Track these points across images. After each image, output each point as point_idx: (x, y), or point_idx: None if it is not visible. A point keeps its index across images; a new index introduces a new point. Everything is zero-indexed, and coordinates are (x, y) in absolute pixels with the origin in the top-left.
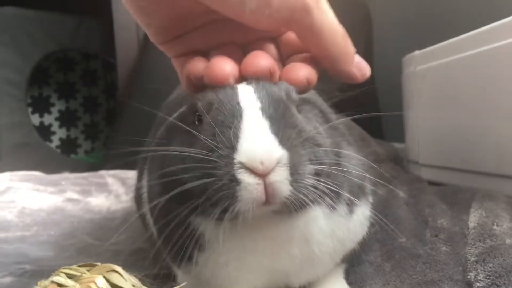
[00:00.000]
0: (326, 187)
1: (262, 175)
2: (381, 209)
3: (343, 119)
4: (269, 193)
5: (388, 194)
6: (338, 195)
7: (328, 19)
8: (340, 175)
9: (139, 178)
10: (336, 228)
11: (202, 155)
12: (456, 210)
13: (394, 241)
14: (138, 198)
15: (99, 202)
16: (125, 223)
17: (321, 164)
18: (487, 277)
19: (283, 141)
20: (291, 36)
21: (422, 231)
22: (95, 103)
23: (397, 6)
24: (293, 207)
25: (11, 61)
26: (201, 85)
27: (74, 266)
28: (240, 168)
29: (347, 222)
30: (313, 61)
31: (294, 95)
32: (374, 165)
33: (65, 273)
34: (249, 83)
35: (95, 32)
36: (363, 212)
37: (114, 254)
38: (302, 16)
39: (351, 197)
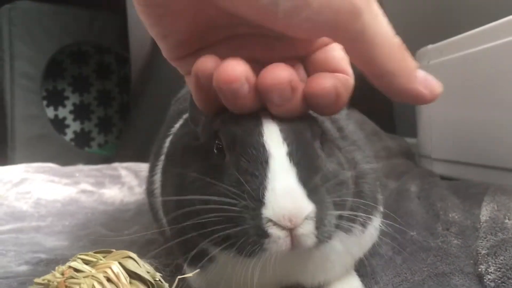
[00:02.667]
0: (347, 223)
1: (289, 229)
2: (392, 202)
3: (357, 114)
4: (294, 244)
5: (400, 188)
6: (354, 221)
7: (382, 25)
8: (358, 201)
9: (151, 172)
10: (350, 247)
11: (225, 204)
12: (468, 204)
13: (405, 234)
14: (150, 193)
15: (113, 194)
16: (138, 214)
17: (344, 202)
18: (498, 269)
19: (311, 192)
20: (324, 55)
21: (433, 225)
22: (109, 96)
23: None
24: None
25: (27, 54)
26: (218, 104)
27: (90, 253)
28: (268, 222)
29: (359, 239)
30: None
31: (317, 128)
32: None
33: (82, 259)
34: (273, 118)
35: (109, 26)
36: (374, 225)
37: (127, 245)
38: (349, 20)
39: (366, 218)
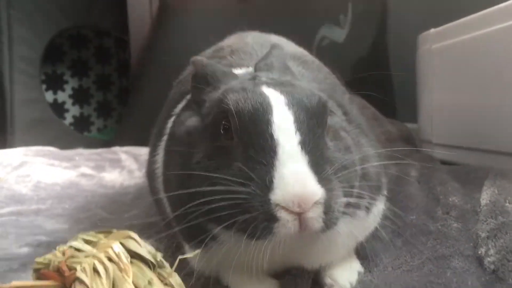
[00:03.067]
0: (353, 209)
1: (298, 213)
2: (393, 186)
3: (358, 99)
4: (302, 227)
5: (400, 172)
6: (360, 206)
7: None
8: (363, 184)
9: (152, 153)
10: (354, 230)
11: (233, 191)
12: (468, 188)
13: (405, 218)
14: (150, 173)
15: (113, 177)
16: (137, 198)
17: (352, 190)
18: (498, 252)
19: (322, 179)
20: None
21: (433, 208)
22: (108, 80)
23: None
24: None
25: (25, 38)
26: None
27: (91, 232)
28: (277, 206)
29: (363, 222)
30: None
31: (327, 116)
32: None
33: (83, 239)
34: (285, 104)
35: (108, 9)
36: (378, 208)
37: (127, 228)
38: None
39: (371, 202)
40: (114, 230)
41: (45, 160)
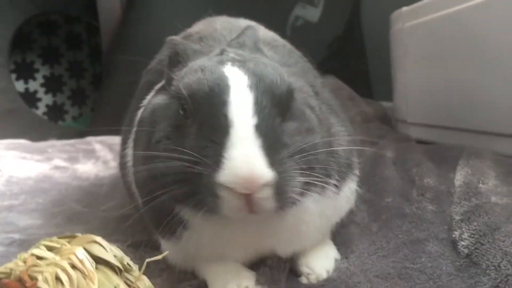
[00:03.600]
0: (316, 183)
1: (245, 194)
2: (369, 169)
3: (332, 79)
4: (252, 206)
5: (376, 154)
6: (327, 183)
7: None
8: (329, 162)
9: (123, 146)
10: (325, 208)
11: (183, 170)
12: (443, 168)
13: (381, 201)
14: (122, 165)
15: (87, 169)
16: (113, 189)
17: (311, 169)
18: (472, 235)
19: (272, 161)
20: None
21: (409, 191)
22: (81, 67)
23: None
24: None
25: None
26: None
27: (54, 238)
28: (221, 185)
29: (334, 201)
30: None
31: (289, 95)
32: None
33: (45, 245)
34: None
35: None
36: (349, 188)
37: (102, 221)
38: None
39: (339, 179)
40: (78, 235)
41: (16, 153)
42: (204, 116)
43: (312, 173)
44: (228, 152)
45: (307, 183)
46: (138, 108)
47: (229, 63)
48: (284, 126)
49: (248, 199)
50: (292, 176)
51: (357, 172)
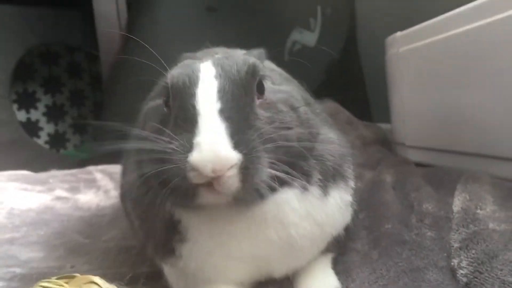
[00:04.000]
0: (288, 177)
1: (211, 178)
2: (368, 194)
3: (330, 103)
4: (219, 188)
5: (375, 178)
6: (307, 179)
7: None
8: (309, 161)
9: (124, 174)
10: (312, 210)
11: (162, 156)
12: (442, 193)
13: (381, 227)
14: (123, 195)
15: (88, 198)
16: (114, 219)
17: (282, 161)
18: (470, 264)
19: (239, 144)
20: None
21: (408, 216)
22: (82, 96)
23: None
24: (245, 200)
25: None
26: None
27: (52, 279)
28: (192, 169)
29: (323, 205)
30: None
31: (261, 70)
32: (355, 151)
33: (43, 287)
34: (214, 64)
35: (76, 24)
36: (341, 197)
37: (104, 252)
38: None
39: (323, 180)
40: (77, 275)
41: (18, 184)
42: (177, 108)
43: (283, 167)
44: (195, 139)
45: (276, 177)
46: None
47: (210, 61)
48: (254, 109)
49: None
50: (258, 161)
51: (351, 183)
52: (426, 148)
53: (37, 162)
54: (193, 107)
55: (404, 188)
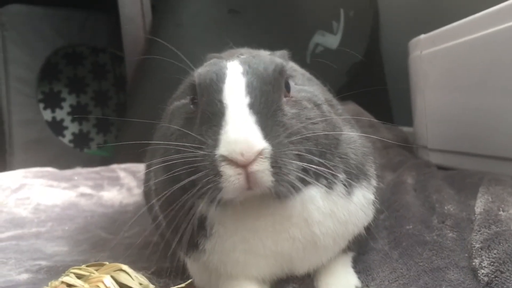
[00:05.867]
0: (317, 172)
1: (243, 166)
2: (389, 195)
3: (352, 105)
4: (251, 181)
5: (396, 180)
6: (333, 176)
7: None
8: (335, 158)
9: (148, 172)
10: (336, 208)
11: (191, 154)
12: (463, 195)
13: (402, 228)
14: (147, 192)
15: (112, 196)
16: (137, 216)
17: (309, 157)
18: (491, 263)
19: (269, 135)
20: None
21: (429, 218)
22: (106, 96)
23: None
24: (278, 194)
25: (20, 58)
26: None
27: (83, 266)
28: (222, 161)
29: (347, 203)
30: None
31: (286, 71)
32: (376, 152)
33: (74, 273)
34: (241, 62)
35: (102, 26)
36: (364, 195)
37: (126, 248)
38: None
39: (348, 179)
40: (106, 263)
41: (44, 181)
42: (205, 105)
43: (312, 160)
44: (224, 130)
45: (306, 170)
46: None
47: (237, 60)
48: (281, 106)
49: (246, 174)
50: (287, 154)
51: (373, 182)
52: (448, 151)
53: (62, 160)
54: (221, 102)
55: (425, 190)
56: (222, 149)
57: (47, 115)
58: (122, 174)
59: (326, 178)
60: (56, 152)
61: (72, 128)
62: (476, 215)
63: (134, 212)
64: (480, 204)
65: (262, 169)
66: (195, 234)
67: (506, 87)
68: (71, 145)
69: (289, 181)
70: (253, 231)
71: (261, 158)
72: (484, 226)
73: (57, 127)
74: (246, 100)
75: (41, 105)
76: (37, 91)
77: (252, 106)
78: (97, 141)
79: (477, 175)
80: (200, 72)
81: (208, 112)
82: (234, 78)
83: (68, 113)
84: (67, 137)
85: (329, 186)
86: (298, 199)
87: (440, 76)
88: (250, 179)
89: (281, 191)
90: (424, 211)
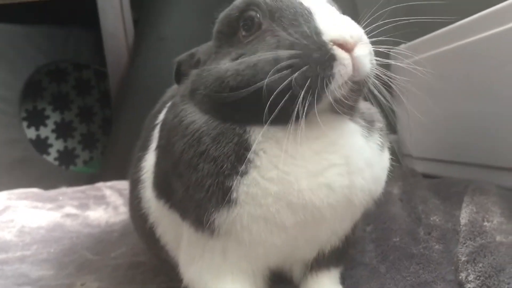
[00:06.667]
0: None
1: (351, 49)
2: (376, 206)
3: None
4: (356, 67)
5: (383, 190)
6: (371, 124)
7: None
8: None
9: (138, 162)
10: (373, 156)
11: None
12: (449, 204)
13: (389, 240)
14: (135, 181)
15: (98, 215)
16: (123, 235)
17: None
18: (477, 277)
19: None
20: None
21: (415, 229)
22: (90, 112)
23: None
24: (355, 96)
25: (2, 78)
26: None
27: None
28: (331, 44)
29: (380, 157)
30: None
31: None
32: None
33: None
34: None
35: (85, 42)
36: (387, 159)
37: (113, 269)
38: None
39: (381, 126)
40: None
41: (28, 202)
42: (282, 11)
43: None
44: (324, 22)
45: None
46: (154, 127)
47: None
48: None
49: (353, 60)
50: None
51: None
52: (433, 160)
53: (47, 179)
54: (301, 4)
55: (411, 201)
56: (332, 33)
57: (31, 133)
58: (108, 192)
59: (367, 120)
60: (41, 171)
61: (57, 145)
62: (461, 226)
63: (121, 231)
64: (465, 215)
65: (365, 54)
66: (234, 170)
67: (487, 95)
68: (56, 163)
69: (376, 68)
70: (295, 162)
71: (362, 43)
72: (469, 238)
73: (41, 145)
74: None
75: (25, 124)
76: (20, 109)
77: (331, 3)
78: (83, 157)
79: (462, 183)
80: None
81: (289, 15)
82: None
83: (53, 131)
84: (52, 154)
85: (369, 128)
86: (345, 126)
87: (423, 84)
88: (355, 64)
89: (370, 80)
90: (410, 223)
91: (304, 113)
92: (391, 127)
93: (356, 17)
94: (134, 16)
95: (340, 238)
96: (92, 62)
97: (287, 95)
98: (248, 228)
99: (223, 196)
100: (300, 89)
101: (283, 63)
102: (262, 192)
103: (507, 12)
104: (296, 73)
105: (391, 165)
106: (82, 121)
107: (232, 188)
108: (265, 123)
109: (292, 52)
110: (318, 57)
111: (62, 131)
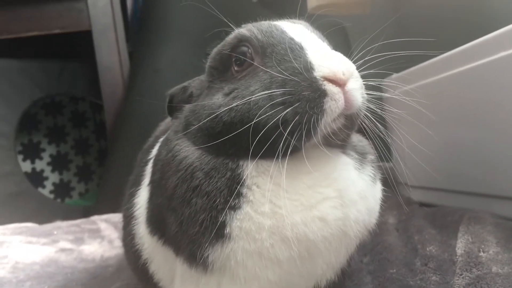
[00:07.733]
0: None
1: (342, 84)
2: (372, 236)
3: None
4: (348, 100)
5: (378, 220)
6: (363, 156)
7: None
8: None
9: (131, 198)
10: (366, 188)
11: (274, 91)
12: (445, 234)
13: (386, 272)
14: (128, 218)
15: (93, 249)
16: (118, 270)
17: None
18: None
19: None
20: None
21: (412, 260)
22: (86, 144)
23: (375, 27)
24: (347, 130)
25: None
26: None
27: None
28: (323, 79)
29: (373, 188)
30: None
31: None
32: None
33: None
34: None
35: (80, 75)
36: (380, 191)
37: None
38: None
39: (373, 158)
40: None
41: (22, 237)
42: (274, 47)
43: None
44: (314, 57)
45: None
46: (146, 163)
47: None
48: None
49: (344, 92)
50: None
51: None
52: (428, 188)
53: (42, 213)
54: (293, 40)
55: (407, 230)
56: (323, 69)
57: (27, 166)
58: (103, 225)
59: (359, 152)
60: (36, 204)
61: (52, 178)
62: (457, 257)
63: (116, 266)
64: (460, 245)
65: (357, 87)
66: (228, 204)
67: (481, 123)
68: (52, 196)
69: (366, 102)
70: (290, 193)
71: (353, 77)
72: (466, 269)
73: (37, 178)
74: (314, 36)
75: (20, 157)
76: (16, 143)
77: (323, 40)
78: (78, 190)
79: (457, 212)
80: (250, 28)
81: (281, 50)
82: (290, 26)
83: (48, 163)
84: (48, 187)
85: (361, 161)
86: (337, 159)
87: (416, 114)
88: (347, 98)
89: (359, 114)
90: (407, 253)
91: (290, 148)
92: (386, 156)
93: (348, 50)
94: (129, 48)
95: (335, 271)
96: (87, 95)
97: (279, 130)
98: (243, 264)
99: (216, 230)
100: (290, 124)
101: (277, 100)
102: (255, 227)
103: (499, 42)
104: (289, 109)
105: (386, 194)
106: (78, 153)
107: (226, 222)
108: (257, 157)
109: (284, 89)
110: (308, 94)
111: (58, 163)
